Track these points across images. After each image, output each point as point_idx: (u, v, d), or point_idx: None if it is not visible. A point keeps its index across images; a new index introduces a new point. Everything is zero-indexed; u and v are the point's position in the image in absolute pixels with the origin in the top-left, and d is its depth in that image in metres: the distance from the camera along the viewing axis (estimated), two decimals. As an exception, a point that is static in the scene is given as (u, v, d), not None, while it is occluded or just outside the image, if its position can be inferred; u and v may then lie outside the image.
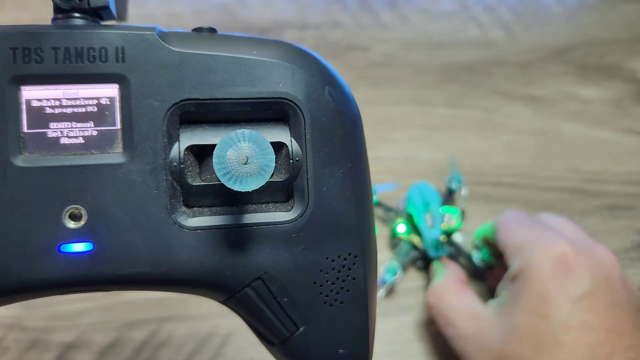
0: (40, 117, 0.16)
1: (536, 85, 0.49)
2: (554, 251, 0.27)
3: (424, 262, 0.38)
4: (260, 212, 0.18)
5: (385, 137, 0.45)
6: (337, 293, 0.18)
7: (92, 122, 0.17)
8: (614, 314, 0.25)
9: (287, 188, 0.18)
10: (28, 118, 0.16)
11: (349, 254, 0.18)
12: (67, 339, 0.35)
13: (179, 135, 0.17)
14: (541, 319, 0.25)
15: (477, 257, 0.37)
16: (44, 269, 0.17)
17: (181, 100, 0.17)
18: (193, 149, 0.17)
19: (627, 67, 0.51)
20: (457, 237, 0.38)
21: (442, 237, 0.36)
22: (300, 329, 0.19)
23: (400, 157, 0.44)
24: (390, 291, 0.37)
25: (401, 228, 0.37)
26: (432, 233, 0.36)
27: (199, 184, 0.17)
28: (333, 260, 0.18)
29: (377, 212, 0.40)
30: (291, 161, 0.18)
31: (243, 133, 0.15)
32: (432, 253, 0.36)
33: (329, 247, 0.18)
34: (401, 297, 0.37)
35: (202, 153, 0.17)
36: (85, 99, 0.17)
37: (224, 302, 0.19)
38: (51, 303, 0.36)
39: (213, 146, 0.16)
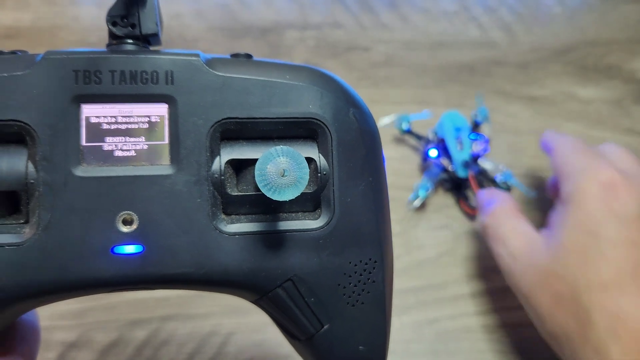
0: (97, 132, 0.18)
1: (536, 85, 0.49)
2: (602, 177, 0.28)
3: (450, 184, 0.42)
4: (292, 220, 0.20)
5: (385, 138, 0.45)
6: (359, 294, 0.20)
7: (143, 137, 0.19)
8: None
9: (315, 199, 0.20)
10: (87, 133, 0.18)
11: (370, 259, 0.20)
12: (69, 338, 0.35)
13: (219, 150, 0.19)
14: (589, 236, 0.27)
15: (500, 179, 0.40)
16: (98, 268, 0.18)
17: (222, 119, 0.19)
18: (232, 163, 0.19)
19: (628, 67, 0.51)
20: (483, 161, 0.42)
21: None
22: (325, 327, 0.20)
23: (401, 157, 0.44)
24: (422, 206, 0.42)
25: (433, 152, 0.42)
26: (461, 155, 0.41)
27: (237, 194, 0.19)
28: (355, 265, 0.20)
29: (409, 139, 0.44)
30: (319, 175, 0.20)
31: (282, 149, 0.17)
32: (460, 173, 0.40)
33: (352, 252, 0.20)
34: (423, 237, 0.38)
35: (240, 166, 0.19)
36: (138, 116, 0.19)
37: (256, 302, 0.21)
38: (52, 302, 0.36)
39: (250, 160, 0.19)
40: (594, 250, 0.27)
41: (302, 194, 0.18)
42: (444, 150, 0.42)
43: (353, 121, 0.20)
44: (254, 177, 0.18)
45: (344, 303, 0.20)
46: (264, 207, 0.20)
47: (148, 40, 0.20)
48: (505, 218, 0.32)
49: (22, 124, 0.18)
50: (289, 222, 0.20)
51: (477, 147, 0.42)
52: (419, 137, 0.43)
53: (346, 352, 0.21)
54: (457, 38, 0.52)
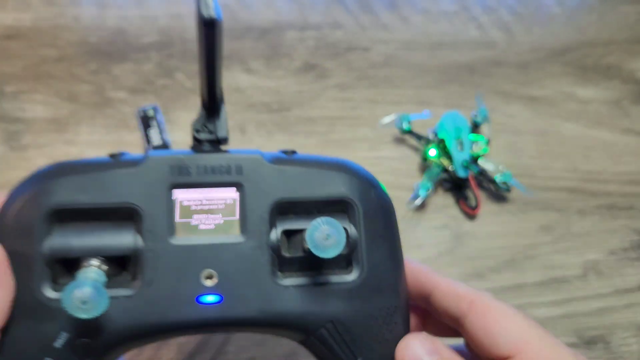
0: (187, 211, 0.25)
1: (536, 85, 0.49)
2: None
3: (450, 184, 0.42)
4: (331, 275, 0.25)
5: (385, 138, 0.45)
6: (383, 333, 0.25)
7: (220, 215, 0.25)
8: None
9: (348, 258, 0.25)
10: (180, 212, 0.24)
11: (391, 305, 0.25)
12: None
13: (276, 222, 0.25)
14: None
15: (499, 180, 0.41)
16: (188, 314, 0.23)
17: (278, 199, 0.25)
18: (285, 231, 0.25)
19: (626, 67, 0.51)
20: (484, 162, 0.42)
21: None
22: (358, 359, 0.25)
23: (401, 157, 0.44)
24: (422, 206, 0.42)
25: (432, 152, 0.42)
26: (461, 155, 0.41)
27: (289, 256, 0.25)
28: (380, 309, 0.25)
29: (410, 139, 0.45)
30: (350, 240, 0.25)
31: (325, 219, 0.23)
32: (461, 173, 0.41)
33: (377, 300, 0.25)
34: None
35: (290, 233, 0.25)
36: (217, 200, 0.25)
37: (303, 341, 0.25)
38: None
39: (298, 230, 0.24)
40: None
41: (338, 254, 0.23)
42: (443, 150, 0.42)
43: (374, 199, 0.26)
44: (301, 241, 0.24)
45: (372, 340, 0.25)
46: (310, 265, 0.25)
47: (220, 142, 0.26)
48: None
49: (133, 205, 0.24)
50: (329, 276, 0.25)
51: (477, 148, 0.42)
52: (419, 137, 0.44)
53: None
54: (456, 38, 0.52)
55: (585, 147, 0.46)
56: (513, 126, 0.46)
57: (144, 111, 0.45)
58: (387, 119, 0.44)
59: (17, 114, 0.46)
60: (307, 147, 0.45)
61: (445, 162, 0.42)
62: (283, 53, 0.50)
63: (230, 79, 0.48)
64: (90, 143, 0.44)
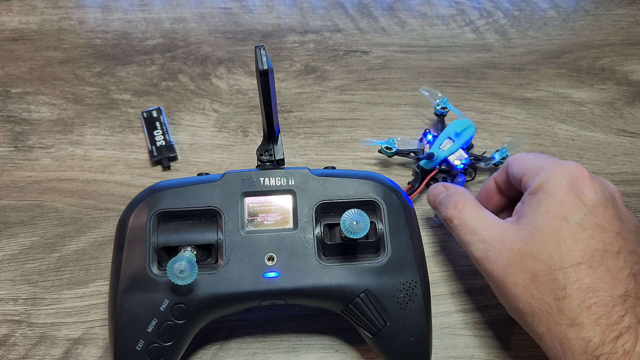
0: (254, 211, 0.33)
1: (531, 87, 0.50)
2: (571, 170, 0.31)
3: (419, 173, 0.43)
4: (363, 258, 0.32)
5: (384, 138, 0.46)
6: (407, 302, 0.32)
7: (278, 213, 0.33)
8: (620, 223, 0.30)
9: (376, 245, 0.33)
10: (248, 212, 0.33)
11: (412, 280, 0.32)
12: (74, 335, 0.36)
13: (320, 218, 0.33)
14: (561, 220, 0.30)
15: (499, 156, 0.43)
16: (255, 285, 0.31)
17: (320, 201, 0.33)
18: (326, 225, 0.33)
19: (621, 69, 0.52)
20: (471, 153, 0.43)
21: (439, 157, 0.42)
22: (388, 324, 0.32)
23: (397, 157, 0.45)
24: (418, 205, 0.40)
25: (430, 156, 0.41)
26: (439, 152, 0.41)
27: (330, 242, 0.32)
28: (403, 283, 0.32)
29: (397, 158, 0.44)
30: (378, 230, 0.33)
31: (354, 210, 0.30)
32: (424, 164, 0.42)
33: (400, 275, 0.32)
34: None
35: (331, 227, 0.33)
36: (275, 203, 0.33)
37: (343, 310, 0.32)
38: (58, 300, 0.37)
39: (337, 224, 0.32)
40: (566, 233, 0.29)
41: (369, 242, 0.32)
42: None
43: (396, 200, 0.33)
44: (339, 232, 0.31)
45: (398, 308, 0.32)
46: (347, 250, 0.32)
47: (278, 162, 0.35)
48: (471, 209, 0.34)
49: (216, 208, 0.32)
50: (362, 259, 0.32)
51: (456, 158, 0.42)
52: (406, 153, 0.43)
53: (402, 341, 0.32)
54: (453, 41, 0.53)
55: (580, 147, 0.46)
56: (508, 127, 0.47)
57: (148, 112, 0.46)
58: (369, 142, 0.44)
59: (22, 115, 0.46)
60: (307, 148, 0.45)
61: (426, 149, 0.42)
62: (284, 56, 0.51)
63: (232, 81, 0.49)
64: (95, 144, 0.45)
